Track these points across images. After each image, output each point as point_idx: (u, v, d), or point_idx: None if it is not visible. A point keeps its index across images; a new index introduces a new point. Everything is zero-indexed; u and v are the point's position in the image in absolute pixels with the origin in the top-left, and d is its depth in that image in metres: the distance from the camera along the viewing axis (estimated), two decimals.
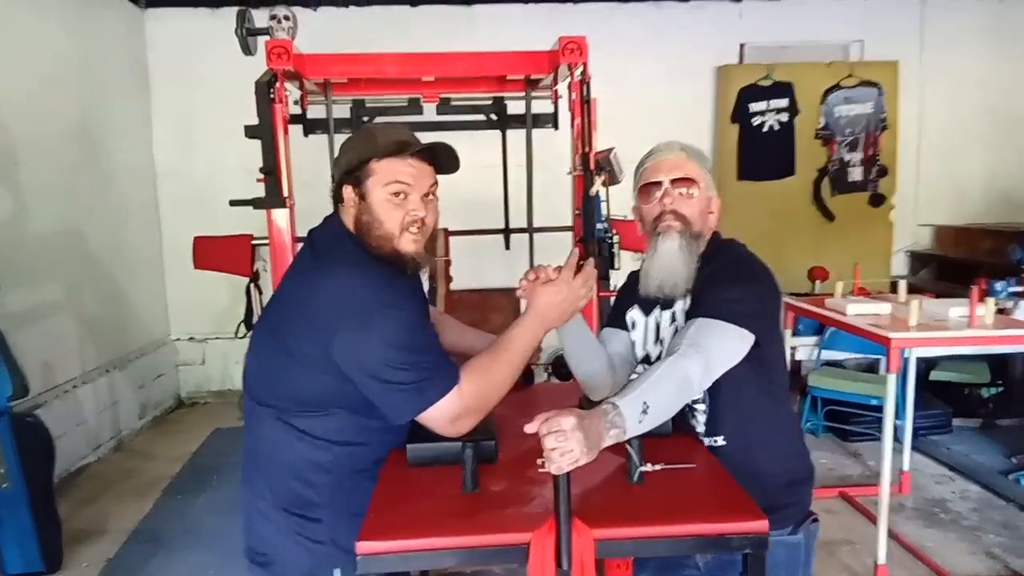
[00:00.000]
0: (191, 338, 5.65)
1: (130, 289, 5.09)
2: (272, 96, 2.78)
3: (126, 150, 5.13)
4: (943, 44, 5.60)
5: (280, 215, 2.86)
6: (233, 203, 2.98)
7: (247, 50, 3.31)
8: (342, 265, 1.48)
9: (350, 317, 1.41)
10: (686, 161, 1.59)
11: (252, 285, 3.49)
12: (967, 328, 2.85)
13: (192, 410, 5.47)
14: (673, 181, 1.57)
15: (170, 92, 5.43)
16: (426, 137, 1.61)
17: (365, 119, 3.59)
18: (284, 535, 1.52)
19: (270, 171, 2.80)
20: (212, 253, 3.31)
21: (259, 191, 2.86)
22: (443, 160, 1.57)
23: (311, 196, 3.26)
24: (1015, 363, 4.57)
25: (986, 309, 2.91)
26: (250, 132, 2.81)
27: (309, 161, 3.36)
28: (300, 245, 2.81)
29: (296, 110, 3.39)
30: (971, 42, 5.63)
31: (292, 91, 3.25)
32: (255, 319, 3.57)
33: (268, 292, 3.18)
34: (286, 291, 1.55)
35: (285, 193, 2.84)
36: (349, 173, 1.53)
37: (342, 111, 3.53)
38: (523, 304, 1.57)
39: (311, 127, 3.49)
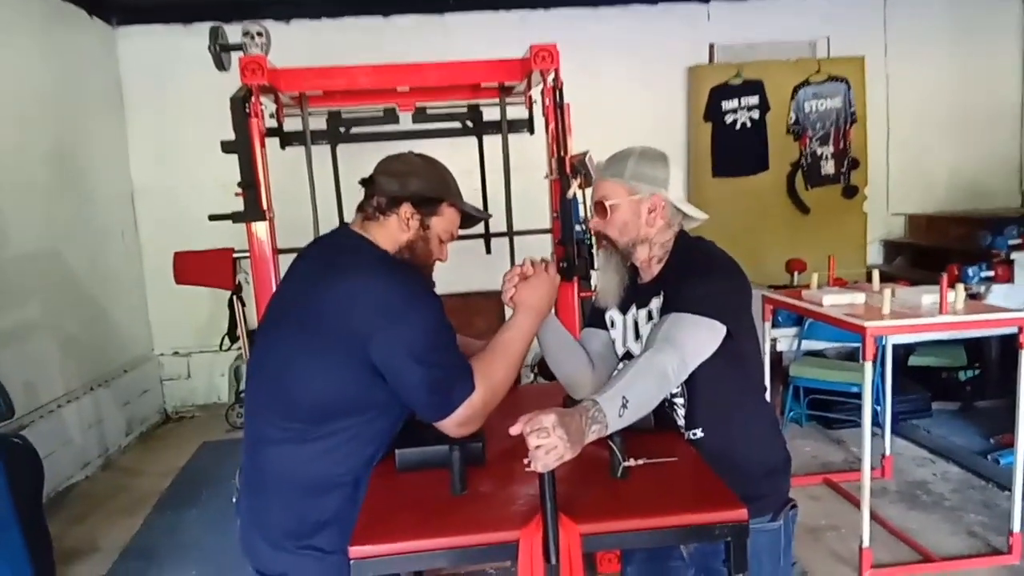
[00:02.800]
0: (175, 352, 5.64)
1: (112, 306, 5.07)
2: (248, 111, 2.80)
3: (103, 169, 5.12)
4: (906, 39, 5.72)
5: (260, 228, 2.88)
6: (212, 218, 2.99)
7: (221, 66, 3.33)
8: (375, 268, 1.52)
9: (386, 317, 1.44)
10: (602, 183, 1.67)
11: (235, 298, 3.50)
12: (938, 314, 2.92)
13: (179, 424, 5.45)
14: (594, 204, 1.68)
15: (145, 110, 5.42)
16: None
17: (341, 130, 3.61)
18: (293, 553, 1.51)
19: (248, 185, 2.82)
20: (193, 268, 3.31)
21: (238, 205, 2.88)
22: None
23: (290, 208, 3.30)
24: (990, 346, 4.67)
25: (956, 295, 2.98)
26: (227, 147, 2.83)
27: (287, 173, 3.38)
28: (282, 256, 2.87)
29: (272, 123, 3.41)
30: (933, 36, 5.76)
31: (267, 104, 3.27)
32: (239, 331, 3.58)
33: (251, 304, 3.20)
34: (301, 298, 1.52)
35: (264, 206, 2.86)
36: (421, 200, 1.58)
37: (318, 123, 3.55)
38: (507, 311, 1.63)
39: (287, 139, 3.50)
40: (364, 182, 1.63)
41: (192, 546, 3.42)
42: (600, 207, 1.66)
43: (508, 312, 1.66)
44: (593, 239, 3.16)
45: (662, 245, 1.66)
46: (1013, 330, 2.88)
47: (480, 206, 3.75)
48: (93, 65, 5.14)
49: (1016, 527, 2.94)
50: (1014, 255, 4.49)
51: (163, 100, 5.35)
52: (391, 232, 1.58)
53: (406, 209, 1.57)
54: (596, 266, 3.16)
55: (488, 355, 1.55)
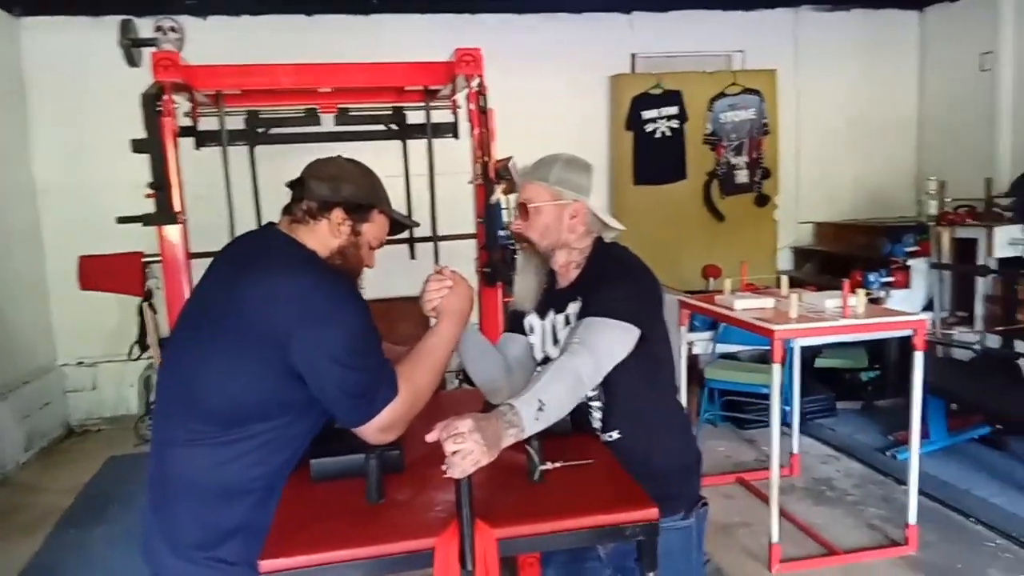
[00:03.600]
0: (80, 363, 5.35)
1: (10, 313, 4.77)
2: (159, 109, 2.70)
3: (1, 166, 4.82)
4: (815, 55, 6.01)
5: (172, 231, 2.78)
6: (121, 220, 2.87)
7: (131, 62, 3.20)
8: (300, 267, 1.48)
9: (311, 316, 1.40)
10: (527, 185, 1.72)
11: (145, 305, 3.36)
12: (841, 318, 3.08)
13: (84, 438, 5.17)
14: (518, 206, 1.73)
15: (49, 105, 5.14)
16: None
17: (260, 130, 3.53)
18: (194, 563, 1.45)
19: (160, 186, 2.72)
20: (100, 273, 3.16)
21: (149, 207, 2.77)
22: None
23: (205, 211, 3.20)
24: (890, 348, 4.95)
25: (858, 299, 3.15)
26: (137, 146, 2.73)
27: (202, 175, 3.27)
28: (195, 261, 2.77)
29: (187, 122, 3.30)
30: (840, 54, 6.06)
31: (182, 103, 3.16)
32: (149, 340, 3.43)
33: (162, 311, 3.08)
34: (221, 296, 1.48)
35: (177, 208, 2.76)
36: (353, 206, 1.56)
37: (236, 122, 3.46)
38: (431, 319, 1.64)
39: (203, 139, 3.40)
40: (292, 184, 1.60)
41: (98, 565, 3.25)
42: (523, 209, 1.69)
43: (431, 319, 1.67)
44: (518, 245, 3.21)
45: (580, 251, 1.71)
46: (908, 332, 3.07)
47: (404, 210, 3.74)
48: None
49: (912, 520, 3.12)
50: (911, 262, 4.79)
51: (70, 95, 5.09)
52: (321, 237, 1.55)
53: (338, 214, 1.55)
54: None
55: (412, 360, 1.55)
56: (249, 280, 1.45)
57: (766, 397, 4.37)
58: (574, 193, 1.68)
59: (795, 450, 4.01)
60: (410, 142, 3.71)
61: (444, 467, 1.24)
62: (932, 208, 4.84)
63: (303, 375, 1.42)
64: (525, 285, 1.75)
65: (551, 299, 1.74)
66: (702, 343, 4.55)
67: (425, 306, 1.65)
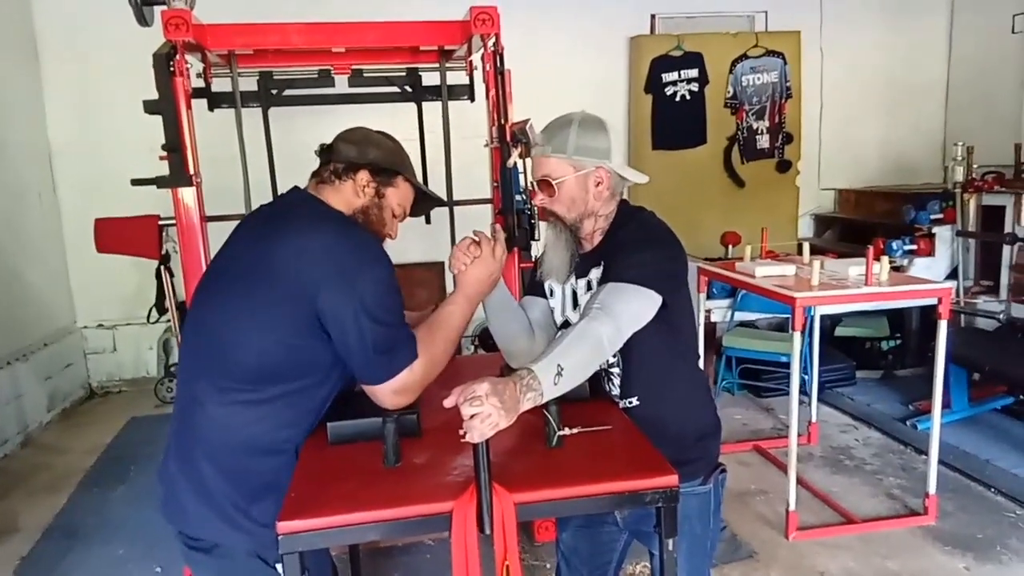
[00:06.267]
0: (100, 325, 5.40)
1: (29, 275, 4.81)
2: (172, 69, 2.66)
3: (15, 126, 4.82)
4: (841, 16, 5.84)
5: (187, 193, 2.75)
6: (135, 182, 2.84)
7: (142, 20, 3.14)
8: (328, 224, 1.52)
9: (339, 270, 1.43)
10: (545, 159, 1.63)
11: (163, 268, 3.35)
12: (864, 286, 3.02)
13: (105, 400, 5.25)
14: (538, 182, 1.65)
15: (63, 64, 5.11)
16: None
17: (274, 92, 3.48)
18: (226, 520, 1.47)
19: (173, 148, 2.68)
20: (116, 235, 3.15)
21: (163, 169, 2.74)
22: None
23: (220, 173, 3.17)
24: (911, 317, 4.88)
25: (881, 267, 3.09)
26: (150, 107, 2.68)
27: (216, 136, 3.24)
28: (211, 224, 2.75)
29: (199, 83, 3.25)
30: (866, 15, 5.89)
31: (195, 63, 3.11)
32: (167, 303, 3.44)
33: (179, 275, 3.07)
34: (249, 253, 1.51)
35: (191, 171, 2.73)
36: (379, 169, 1.61)
37: (249, 83, 3.41)
38: (448, 276, 1.62)
39: (216, 101, 3.35)
40: (322, 151, 1.64)
41: (119, 525, 3.31)
42: (545, 184, 1.63)
43: (449, 281, 1.65)
44: (535, 209, 3.17)
45: (607, 217, 1.66)
46: (933, 301, 3.01)
47: (419, 173, 3.69)
48: (2, 14, 4.80)
49: (931, 489, 3.10)
50: (935, 229, 4.69)
51: (83, 54, 5.05)
52: (346, 197, 1.59)
53: (363, 176, 1.59)
54: (536, 236, 3.16)
55: (428, 328, 1.55)
56: (278, 237, 1.47)
57: (784, 365, 4.36)
58: (595, 160, 1.60)
59: (813, 418, 3.99)
60: (425, 105, 3.65)
61: (462, 431, 1.22)
62: (959, 174, 4.71)
63: (329, 329, 1.43)
64: (558, 259, 1.68)
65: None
66: (720, 311, 4.51)
67: (452, 266, 1.65)
